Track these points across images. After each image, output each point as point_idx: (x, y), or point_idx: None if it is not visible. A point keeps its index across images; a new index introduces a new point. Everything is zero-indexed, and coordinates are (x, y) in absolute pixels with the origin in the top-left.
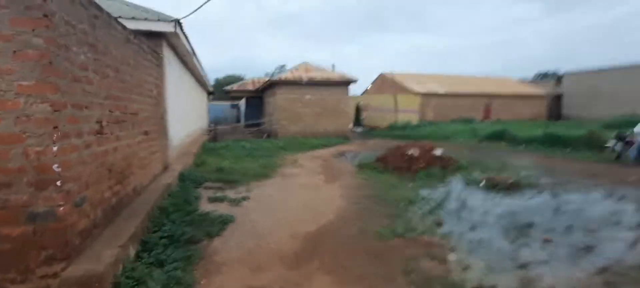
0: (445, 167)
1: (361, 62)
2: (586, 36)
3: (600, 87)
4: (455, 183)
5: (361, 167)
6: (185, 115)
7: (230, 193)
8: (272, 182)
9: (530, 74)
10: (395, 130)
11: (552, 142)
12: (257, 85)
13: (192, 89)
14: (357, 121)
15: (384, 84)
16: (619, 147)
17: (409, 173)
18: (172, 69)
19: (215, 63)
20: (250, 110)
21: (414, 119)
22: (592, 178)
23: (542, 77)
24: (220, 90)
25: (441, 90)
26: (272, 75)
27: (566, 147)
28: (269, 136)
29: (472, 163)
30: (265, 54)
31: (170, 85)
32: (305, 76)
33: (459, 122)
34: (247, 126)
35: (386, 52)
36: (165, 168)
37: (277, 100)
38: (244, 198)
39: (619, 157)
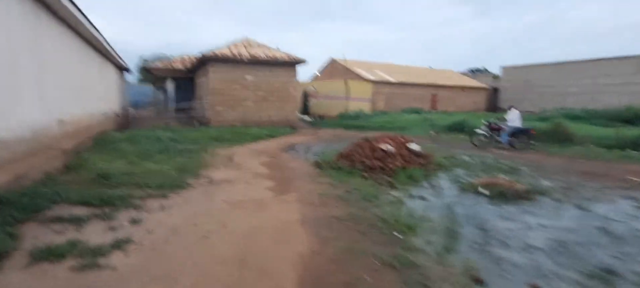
0: (425, 166)
1: (304, 50)
2: (505, 38)
3: (533, 81)
4: (448, 190)
5: (321, 166)
6: (57, 92)
7: (95, 232)
8: (188, 197)
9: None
10: (347, 120)
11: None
12: (188, 65)
13: (79, 59)
14: (304, 109)
15: (334, 70)
16: (487, 133)
17: (383, 175)
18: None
19: (147, 46)
20: (180, 94)
21: (366, 107)
22: (594, 179)
23: (474, 72)
24: (147, 72)
25: (392, 79)
26: None
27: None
28: (200, 124)
29: (448, 160)
30: (204, 38)
31: None
32: (246, 53)
33: (409, 112)
34: (176, 112)
35: (328, 41)
36: None
37: (210, 81)
38: (119, 244)
39: (487, 142)
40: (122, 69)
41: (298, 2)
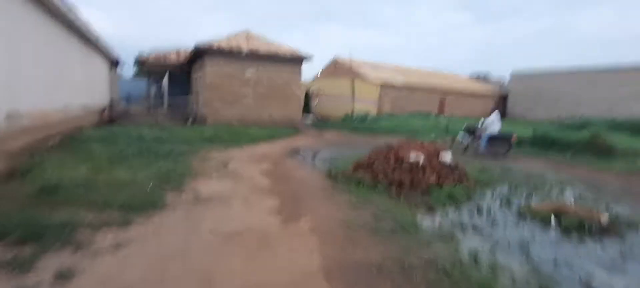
0: (462, 182)
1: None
2: (510, 44)
3: (544, 88)
4: (503, 217)
5: (335, 177)
6: (10, 79)
7: None
8: (161, 224)
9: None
10: (353, 122)
11: (544, 145)
12: (183, 58)
13: (50, 43)
14: (307, 109)
15: (338, 69)
16: (466, 139)
17: (415, 193)
18: None
19: (147, 42)
20: (175, 89)
21: (372, 109)
22: None
23: (479, 78)
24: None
25: (399, 81)
26: None
27: (562, 151)
28: (194, 121)
29: (484, 174)
30: (204, 37)
31: None
32: (246, 46)
33: (418, 115)
34: (170, 107)
35: (330, 43)
36: None
37: (206, 75)
38: None
39: (466, 149)
40: (114, 61)
41: (300, 3)
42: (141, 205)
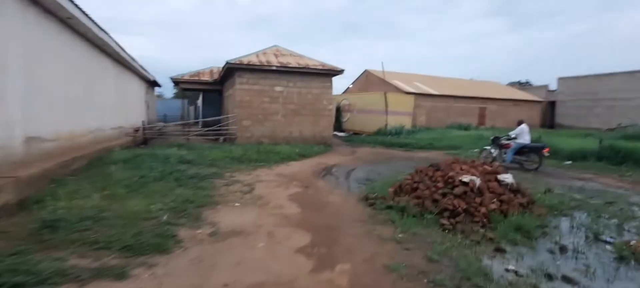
0: (529, 208)
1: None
2: (547, 50)
3: (597, 93)
4: (595, 257)
5: (374, 203)
6: (30, 99)
7: None
8: (165, 274)
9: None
10: (386, 136)
11: (612, 159)
12: (216, 76)
13: (80, 63)
14: (337, 124)
15: (369, 82)
16: (494, 151)
17: (473, 224)
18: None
19: (182, 64)
20: (208, 107)
21: (406, 122)
22: None
23: (519, 85)
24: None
25: (434, 91)
26: None
27: (637, 166)
28: (226, 140)
29: (551, 198)
30: (236, 56)
31: None
32: (275, 61)
33: (456, 127)
34: (204, 127)
35: (359, 57)
36: None
37: (236, 93)
38: None
39: (494, 160)
40: (151, 82)
41: (329, 20)
42: (147, 246)
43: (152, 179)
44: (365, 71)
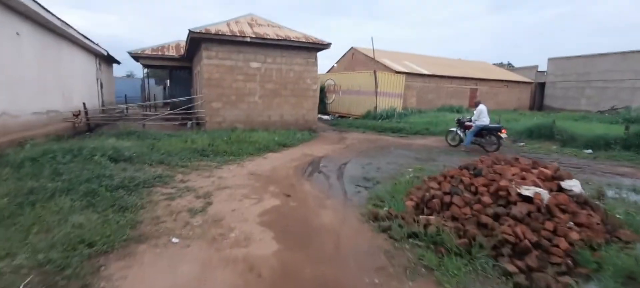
0: (617, 235)
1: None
2: (525, 33)
3: (589, 74)
4: None
5: (387, 228)
6: None
7: None
8: None
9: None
10: (376, 120)
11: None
12: (183, 52)
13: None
14: (322, 106)
15: (355, 61)
16: (461, 132)
17: (548, 262)
18: None
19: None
20: (177, 87)
21: (397, 104)
22: None
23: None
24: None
25: (426, 71)
26: None
27: None
28: (194, 126)
29: (608, 204)
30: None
31: None
32: (250, 32)
33: (447, 110)
34: (172, 109)
35: (341, 36)
36: None
37: (204, 69)
38: None
39: (461, 141)
40: (105, 58)
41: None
42: None
43: (47, 194)
44: (351, 49)
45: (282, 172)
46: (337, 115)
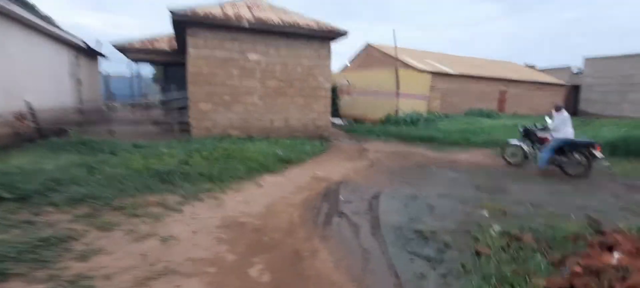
0: None
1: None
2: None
3: (634, 77)
4: None
5: None
6: None
7: None
8: None
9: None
10: (399, 126)
11: None
12: (175, 45)
13: None
14: (334, 109)
15: (370, 59)
16: (527, 147)
17: None
18: None
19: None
20: (170, 86)
21: (422, 108)
22: None
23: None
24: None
25: (452, 71)
26: None
27: None
28: (177, 131)
29: None
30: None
31: None
32: (249, 16)
33: (476, 114)
34: (162, 109)
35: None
36: None
37: (190, 61)
38: None
39: (526, 159)
40: (87, 51)
41: (321, 2)
42: None
43: None
44: (367, 45)
45: (282, 216)
46: (350, 119)
